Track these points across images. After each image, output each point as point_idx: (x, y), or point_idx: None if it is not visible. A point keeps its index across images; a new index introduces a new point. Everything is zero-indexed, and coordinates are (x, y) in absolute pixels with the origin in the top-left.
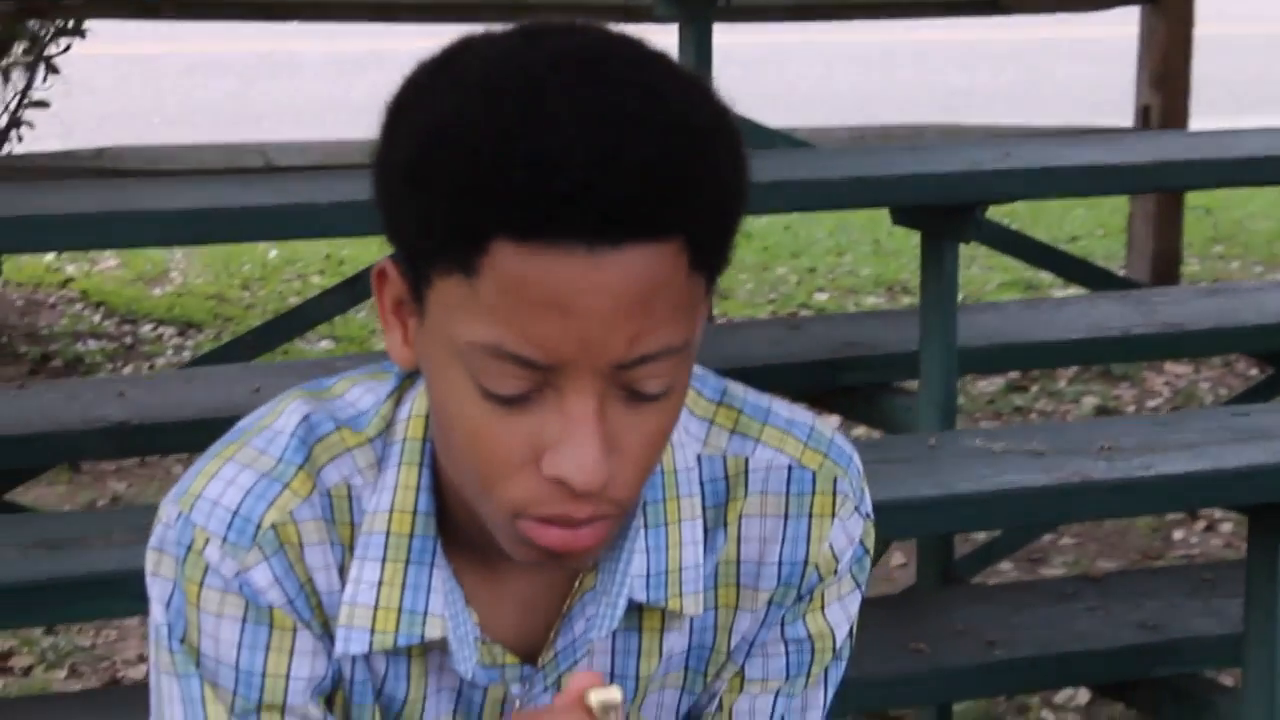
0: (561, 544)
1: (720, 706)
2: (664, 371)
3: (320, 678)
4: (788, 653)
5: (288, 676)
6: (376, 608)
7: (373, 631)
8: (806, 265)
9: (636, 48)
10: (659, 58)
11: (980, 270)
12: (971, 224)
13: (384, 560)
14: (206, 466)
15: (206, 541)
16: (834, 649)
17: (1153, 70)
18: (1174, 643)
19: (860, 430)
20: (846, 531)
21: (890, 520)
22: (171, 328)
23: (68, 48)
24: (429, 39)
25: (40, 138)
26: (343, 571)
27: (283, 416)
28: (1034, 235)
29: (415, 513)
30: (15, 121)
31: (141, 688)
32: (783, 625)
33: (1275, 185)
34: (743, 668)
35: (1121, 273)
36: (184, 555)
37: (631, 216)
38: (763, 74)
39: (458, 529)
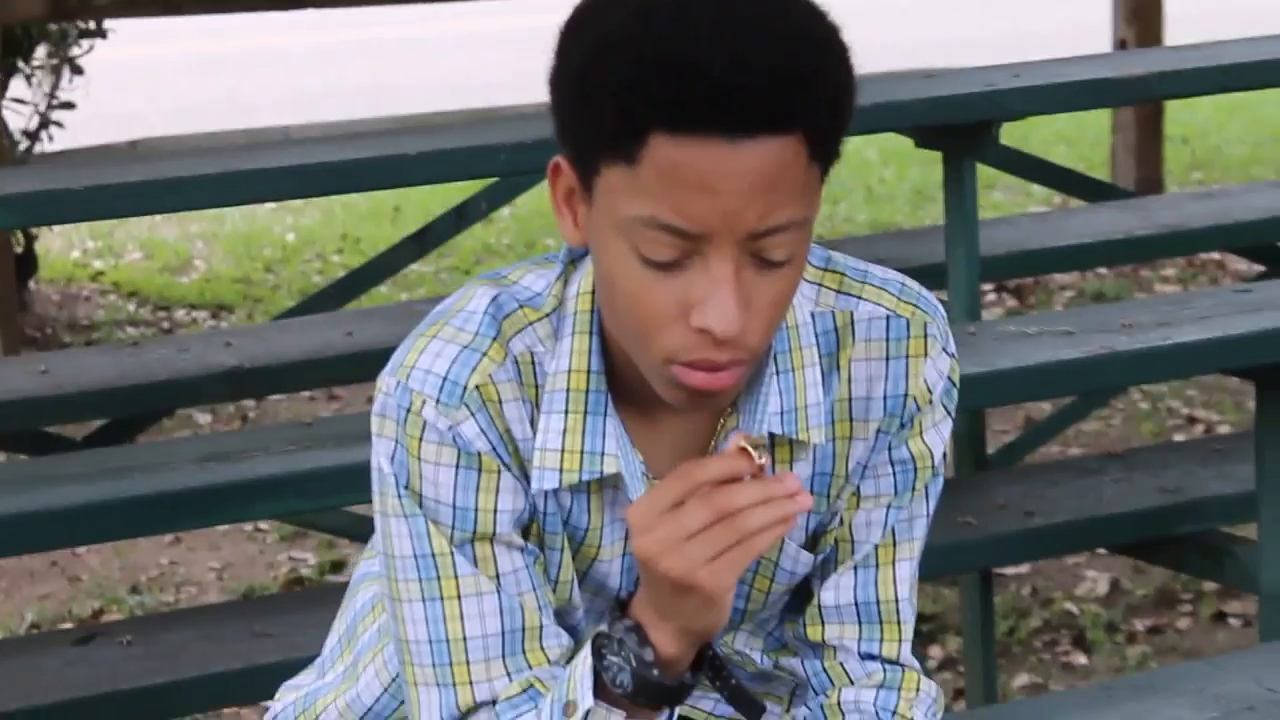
0: (705, 384)
1: (841, 522)
2: (788, 242)
3: (520, 511)
4: (895, 472)
5: (495, 510)
6: (563, 451)
7: (561, 470)
8: None
9: None
10: None
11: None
12: (989, 141)
13: (566, 412)
14: (415, 344)
15: (424, 403)
16: (933, 467)
17: (1127, 4)
18: (1193, 503)
19: None
20: (936, 368)
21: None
22: (204, 311)
23: (91, 48)
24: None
25: (53, 139)
26: (533, 423)
27: (474, 299)
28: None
29: (589, 372)
30: (45, 122)
31: None
32: (889, 449)
33: (1257, 89)
34: (858, 487)
35: None
36: (404, 416)
37: (762, 113)
38: None
39: (622, 385)
